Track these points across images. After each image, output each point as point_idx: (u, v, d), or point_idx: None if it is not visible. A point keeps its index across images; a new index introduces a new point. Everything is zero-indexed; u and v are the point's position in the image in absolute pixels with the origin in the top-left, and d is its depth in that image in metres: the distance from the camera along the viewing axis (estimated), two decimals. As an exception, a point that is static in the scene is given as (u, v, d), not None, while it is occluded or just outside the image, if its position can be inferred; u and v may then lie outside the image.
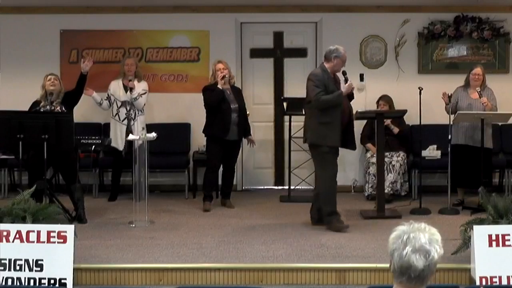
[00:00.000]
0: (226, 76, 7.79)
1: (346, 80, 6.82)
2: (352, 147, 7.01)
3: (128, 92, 8.07)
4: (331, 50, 6.83)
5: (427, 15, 8.87)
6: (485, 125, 7.60)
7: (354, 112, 8.22)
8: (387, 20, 8.85)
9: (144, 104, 8.19)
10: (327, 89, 6.69)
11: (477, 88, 7.65)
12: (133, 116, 8.14)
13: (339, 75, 6.95)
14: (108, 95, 8.22)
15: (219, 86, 7.74)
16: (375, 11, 8.87)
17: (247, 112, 8.95)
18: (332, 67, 6.81)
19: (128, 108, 8.14)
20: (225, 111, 7.75)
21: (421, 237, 2.56)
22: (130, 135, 7.45)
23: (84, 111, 8.32)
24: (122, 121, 8.15)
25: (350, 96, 6.95)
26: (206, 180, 7.96)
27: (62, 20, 8.92)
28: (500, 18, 8.84)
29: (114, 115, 8.20)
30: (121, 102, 8.14)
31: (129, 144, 8.10)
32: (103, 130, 8.64)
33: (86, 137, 7.29)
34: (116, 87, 8.20)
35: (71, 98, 7.38)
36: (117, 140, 8.08)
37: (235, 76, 8.32)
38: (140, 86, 8.16)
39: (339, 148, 6.89)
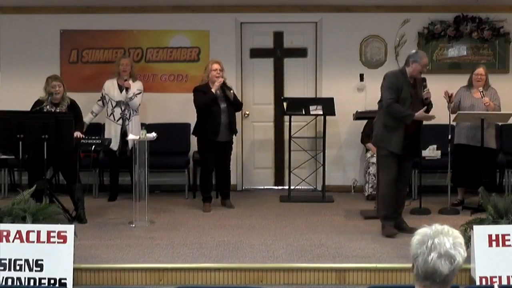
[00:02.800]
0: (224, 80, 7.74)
1: (424, 87, 6.51)
2: (412, 155, 6.70)
3: (124, 92, 8.06)
4: (410, 54, 6.58)
5: (427, 15, 8.87)
6: (487, 125, 7.60)
7: (354, 112, 8.28)
8: (387, 20, 8.85)
9: (139, 104, 8.19)
10: (399, 93, 6.43)
11: (479, 88, 7.65)
12: (127, 116, 8.13)
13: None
14: (102, 94, 8.22)
15: (213, 90, 7.64)
16: (375, 11, 8.87)
17: (247, 112, 8.98)
18: (410, 72, 6.49)
19: (123, 108, 8.13)
20: (214, 112, 7.68)
21: (446, 242, 2.55)
22: (130, 135, 7.45)
23: (84, 111, 8.29)
24: (117, 121, 8.14)
25: (428, 105, 6.58)
26: (202, 182, 7.95)
27: (62, 20, 8.92)
28: (500, 18, 8.84)
29: (108, 115, 8.20)
30: (116, 102, 8.14)
31: (123, 144, 8.13)
32: (103, 130, 8.63)
33: (86, 137, 7.28)
34: (110, 86, 8.19)
35: (74, 111, 7.29)
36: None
37: (235, 76, 8.30)
38: (135, 86, 8.14)
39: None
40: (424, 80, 6.57)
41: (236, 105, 7.89)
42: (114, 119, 8.15)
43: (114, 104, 8.15)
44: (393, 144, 6.46)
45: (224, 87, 7.78)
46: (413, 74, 6.52)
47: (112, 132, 8.10)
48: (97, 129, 8.49)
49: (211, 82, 7.74)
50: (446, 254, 2.54)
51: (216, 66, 7.74)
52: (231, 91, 7.82)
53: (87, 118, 8.11)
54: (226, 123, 7.76)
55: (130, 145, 8.02)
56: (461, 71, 8.60)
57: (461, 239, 2.60)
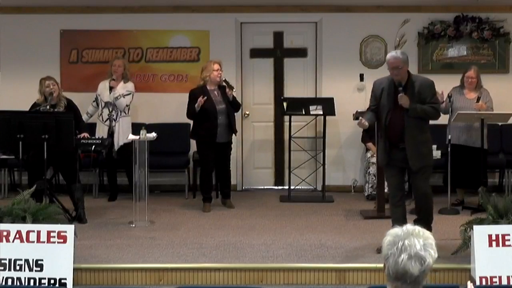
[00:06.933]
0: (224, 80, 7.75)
1: (399, 93, 5.91)
2: (409, 166, 5.98)
3: (111, 92, 8.07)
4: None
5: (427, 15, 8.87)
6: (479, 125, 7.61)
7: (354, 112, 8.26)
8: (387, 20, 8.84)
9: (127, 106, 8.11)
10: (378, 100, 6.07)
11: (478, 93, 7.66)
12: (114, 117, 8.11)
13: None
14: (96, 95, 8.23)
15: (196, 108, 7.55)
16: (375, 11, 8.87)
17: (247, 112, 8.98)
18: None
19: (110, 109, 8.12)
20: (211, 115, 7.66)
21: (416, 244, 2.56)
22: (130, 135, 7.43)
23: (83, 111, 8.29)
24: (105, 121, 8.14)
25: (407, 111, 5.89)
26: (202, 183, 7.95)
27: (62, 20, 8.92)
28: (500, 18, 8.84)
29: (99, 115, 8.21)
30: (105, 102, 8.13)
31: (111, 145, 8.11)
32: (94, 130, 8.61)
33: (86, 137, 7.27)
34: (103, 87, 8.19)
35: (73, 112, 7.28)
36: None
37: (234, 76, 8.30)
38: (125, 87, 8.11)
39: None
40: (399, 85, 5.92)
41: (233, 106, 7.90)
42: (103, 120, 8.15)
43: (103, 104, 8.14)
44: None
45: (227, 84, 7.78)
46: (393, 77, 5.97)
47: (101, 132, 8.05)
48: (96, 129, 8.49)
49: (211, 82, 7.75)
50: (416, 256, 2.55)
51: (217, 66, 7.76)
52: (234, 90, 7.83)
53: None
54: (225, 124, 7.75)
55: (116, 147, 8.02)
56: (461, 71, 8.58)
57: (432, 240, 2.60)
